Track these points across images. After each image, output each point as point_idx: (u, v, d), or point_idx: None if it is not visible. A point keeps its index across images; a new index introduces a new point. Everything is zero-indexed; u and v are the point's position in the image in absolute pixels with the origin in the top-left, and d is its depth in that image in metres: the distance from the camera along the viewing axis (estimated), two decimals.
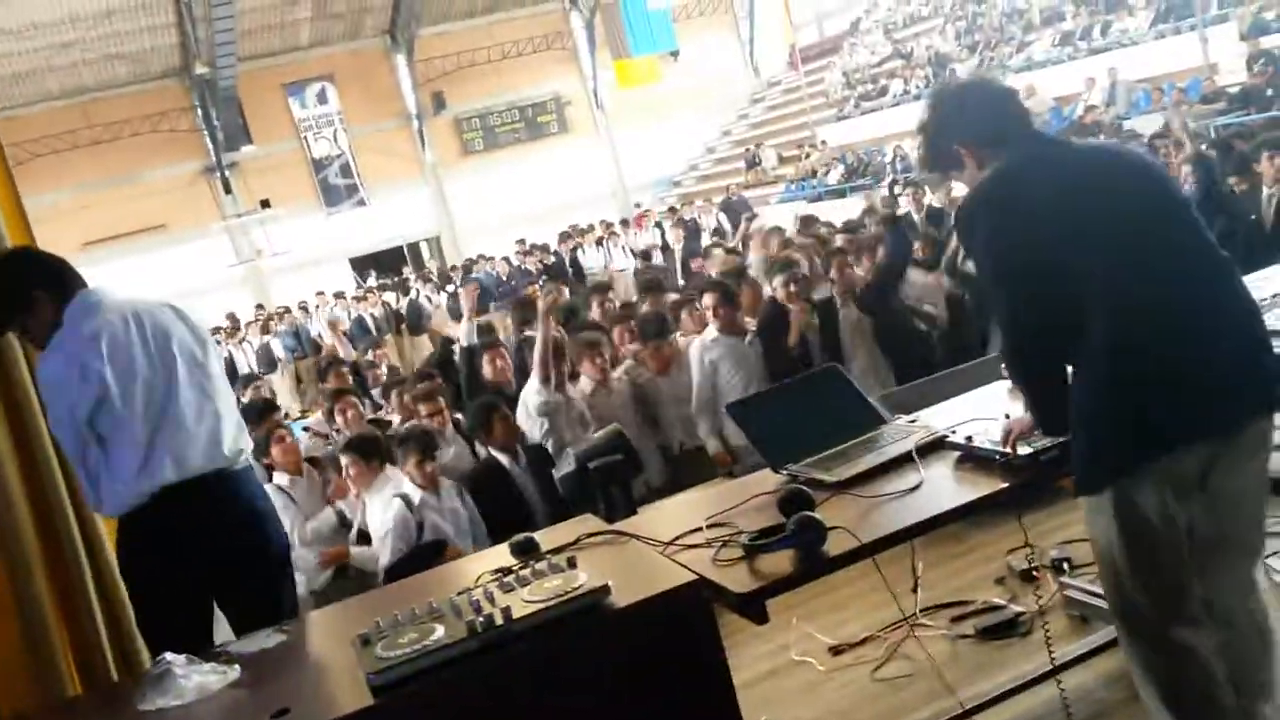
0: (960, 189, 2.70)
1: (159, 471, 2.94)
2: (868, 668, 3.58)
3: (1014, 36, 18.95)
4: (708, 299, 5.60)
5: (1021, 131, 2.49)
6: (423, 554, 4.27)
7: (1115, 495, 2.31)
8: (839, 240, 7.48)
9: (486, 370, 5.91)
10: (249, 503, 3.13)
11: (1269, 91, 12.29)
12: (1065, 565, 3.69)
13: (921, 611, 3.73)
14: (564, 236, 19.33)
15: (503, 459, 5.01)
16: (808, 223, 10.10)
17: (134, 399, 2.92)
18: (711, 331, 5.52)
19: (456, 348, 6.66)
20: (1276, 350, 2.39)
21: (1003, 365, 3.00)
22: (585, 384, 5.57)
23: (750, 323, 5.66)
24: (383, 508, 4.66)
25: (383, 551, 4.54)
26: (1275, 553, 3.52)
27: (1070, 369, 2.38)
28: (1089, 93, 15.29)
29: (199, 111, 21.90)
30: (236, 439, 3.10)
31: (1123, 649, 2.48)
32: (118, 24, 19.48)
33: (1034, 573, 3.68)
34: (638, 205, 23.24)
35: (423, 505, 4.60)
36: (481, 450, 5.24)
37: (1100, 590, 3.35)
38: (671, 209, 20.72)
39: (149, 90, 21.55)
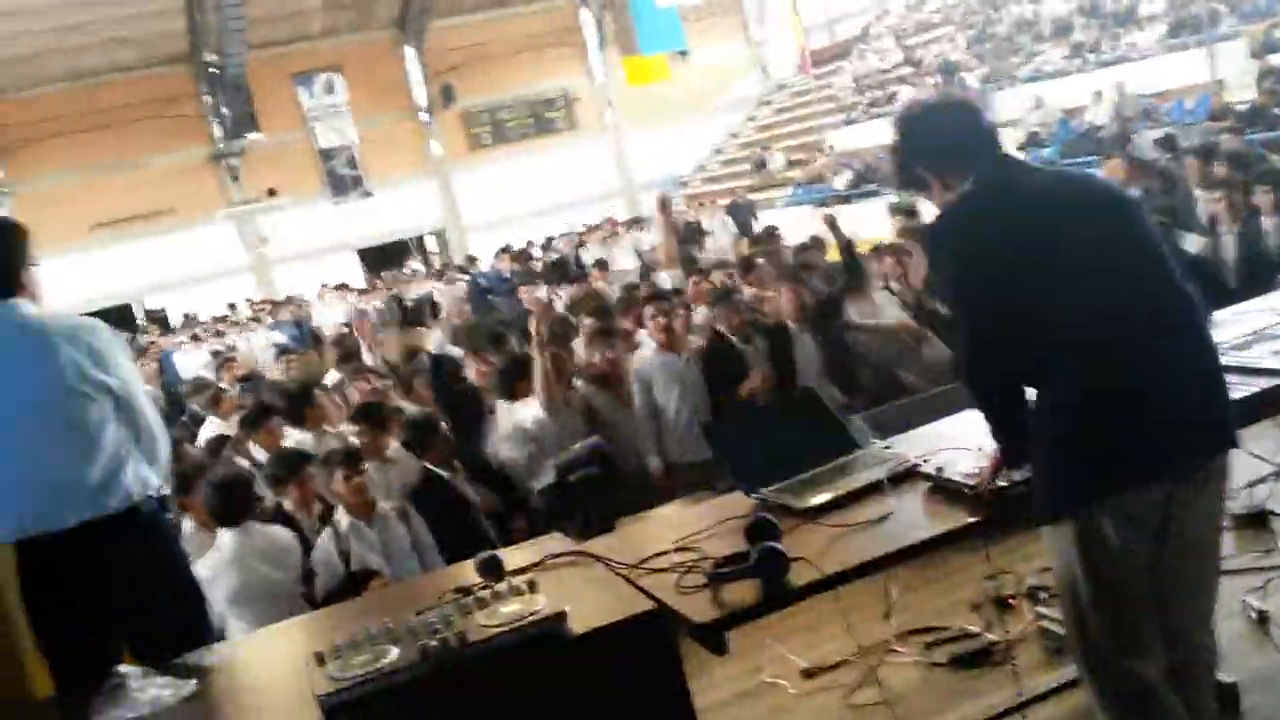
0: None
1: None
2: (840, 692, 3.55)
3: (1023, 47, 18.90)
4: (648, 311, 5.46)
5: (988, 155, 2.46)
6: (346, 587, 4.09)
7: (1077, 526, 2.31)
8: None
9: (469, 376, 5.82)
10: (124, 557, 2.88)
11: (1277, 110, 12.24)
12: (1042, 594, 3.66)
13: (896, 636, 3.70)
14: (548, 243, 19.09)
15: (443, 473, 4.88)
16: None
17: None
18: (649, 347, 5.40)
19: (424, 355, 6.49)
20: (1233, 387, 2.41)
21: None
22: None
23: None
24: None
25: (316, 580, 4.36)
26: (1259, 587, 3.52)
27: (1032, 399, 2.38)
28: (1096, 106, 15.24)
29: (206, 98, 21.90)
30: (95, 496, 2.83)
31: (1082, 682, 2.47)
32: (125, 7, 19.45)
33: (1010, 600, 3.65)
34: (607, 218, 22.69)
35: (350, 534, 4.42)
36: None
37: None
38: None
39: (155, 74, 21.54)
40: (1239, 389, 2.58)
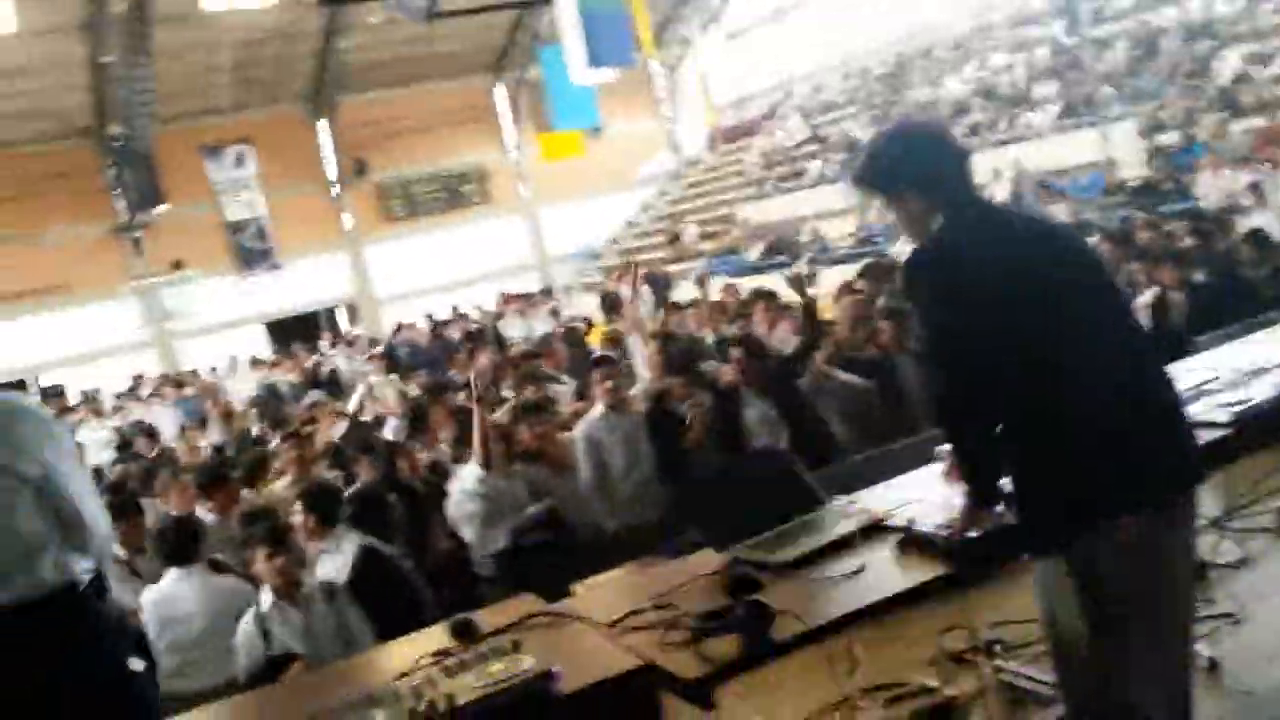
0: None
1: None
2: None
3: None
4: (596, 375, 5.51)
5: (964, 185, 2.53)
6: (266, 671, 3.93)
7: (1070, 557, 2.38)
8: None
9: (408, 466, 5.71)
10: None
11: (1168, 185, 12.93)
12: (998, 647, 3.71)
13: (860, 693, 3.71)
14: (447, 321, 18.97)
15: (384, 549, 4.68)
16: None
17: None
18: (599, 409, 5.42)
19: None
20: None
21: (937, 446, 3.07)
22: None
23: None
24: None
25: (238, 663, 4.18)
26: (1205, 634, 3.63)
27: (1008, 441, 2.44)
28: (995, 183, 15.89)
29: (110, 171, 21.43)
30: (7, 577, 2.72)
31: None
32: (30, 81, 19.01)
33: (967, 654, 3.69)
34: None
35: (271, 615, 4.21)
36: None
37: (1033, 673, 3.42)
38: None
39: (57, 148, 21.01)
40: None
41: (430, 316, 19.18)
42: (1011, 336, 2.35)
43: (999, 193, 15.52)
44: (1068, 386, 2.35)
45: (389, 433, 5.83)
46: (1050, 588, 2.43)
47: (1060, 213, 12.43)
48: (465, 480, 5.15)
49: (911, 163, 2.56)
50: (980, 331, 2.36)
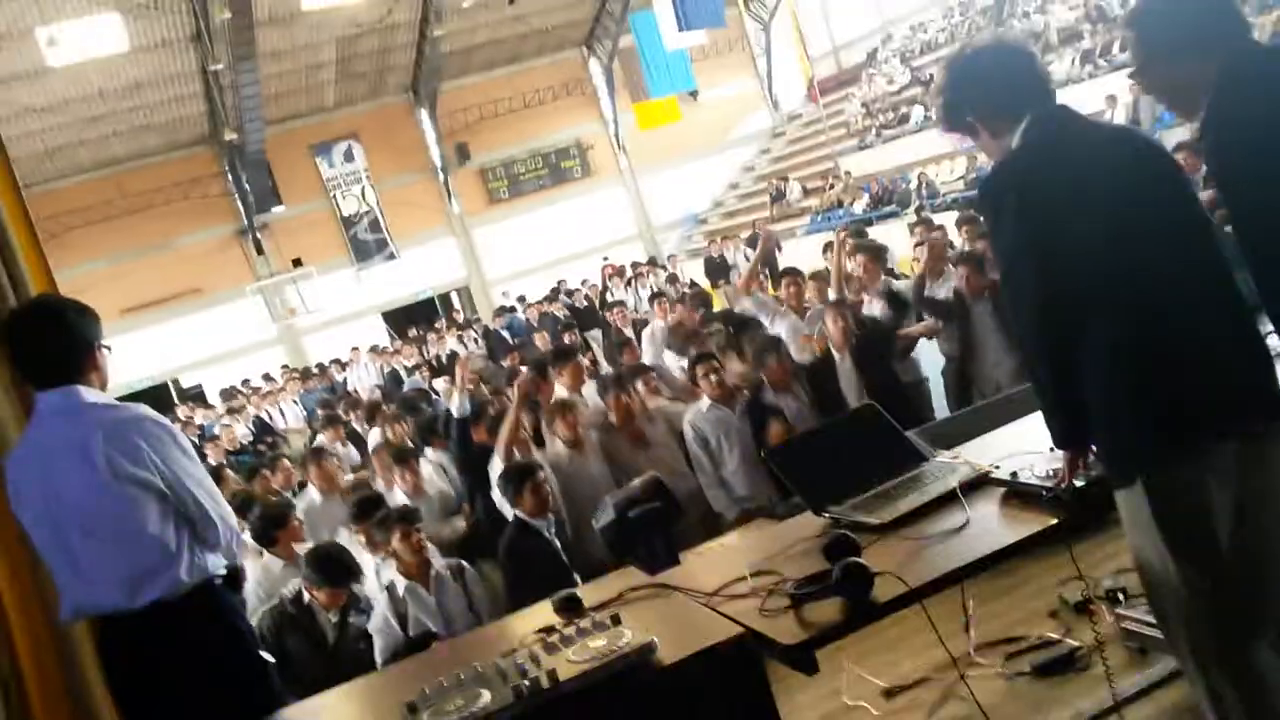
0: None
1: (63, 606, 2.92)
2: (923, 711, 3.49)
3: None
4: (699, 370, 5.59)
5: (1040, 104, 2.41)
6: (406, 651, 4.08)
7: (1147, 485, 2.24)
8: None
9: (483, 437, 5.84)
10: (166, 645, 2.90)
11: None
12: (1121, 595, 3.59)
13: (975, 650, 3.65)
14: (554, 294, 19.29)
15: (535, 524, 4.83)
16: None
17: (31, 534, 2.92)
18: (704, 402, 5.50)
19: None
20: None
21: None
22: (559, 446, 5.56)
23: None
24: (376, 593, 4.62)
25: (375, 645, 4.39)
26: None
27: (1086, 376, 2.31)
28: (1111, 110, 15.20)
29: (229, 176, 22.28)
30: (139, 586, 2.85)
31: (1184, 671, 2.40)
32: (146, 96, 19.88)
33: (1089, 605, 3.58)
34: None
35: (407, 596, 4.44)
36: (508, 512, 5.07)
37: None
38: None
39: (178, 158, 21.96)
40: None
41: (522, 299, 19.51)
42: (1079, 257, 2.24)
43: (1118, 119, 14.86)
44: (1143, 304, 2.23)
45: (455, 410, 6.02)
46: (1138, 524, 2.29)
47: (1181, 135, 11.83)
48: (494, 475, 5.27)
49: (971, 93, 2.47)
50: (1049, 249, 2.25)
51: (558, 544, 4.80)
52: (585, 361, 7.56)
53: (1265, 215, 2.20)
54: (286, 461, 7.70)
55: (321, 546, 4.67)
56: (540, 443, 5.65)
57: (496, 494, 5.21)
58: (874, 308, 6.26)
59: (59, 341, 2.89)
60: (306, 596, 4.42)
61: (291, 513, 5.35)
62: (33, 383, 2.94)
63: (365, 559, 4.91)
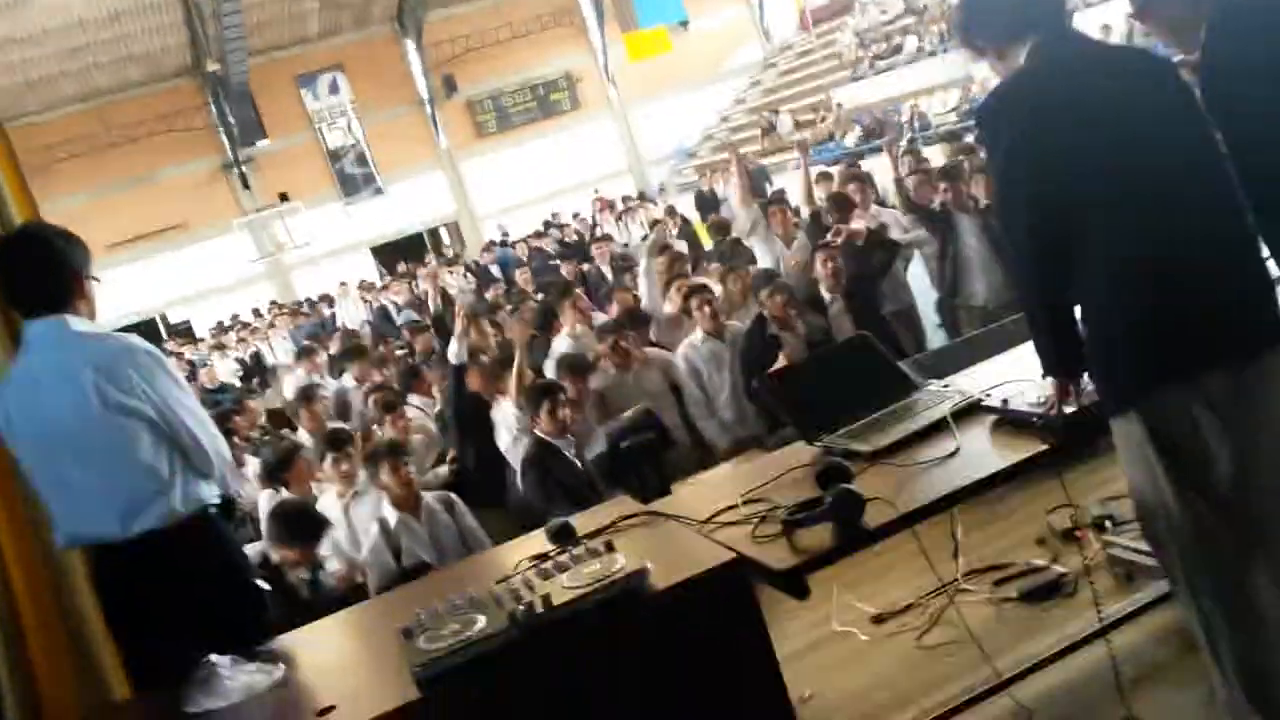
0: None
1: (57, 534, 2.92)
2: (912, 636, 3.54)
3: None
4: (692, 302, 5.65)
5: (1049, 26, 2.38)
6: (398, 581, 4.08)
7: (1143, 412, 2.25)
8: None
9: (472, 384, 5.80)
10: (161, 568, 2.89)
11: None
12: (1108, 523, 3.63)
13: (964, 576, 3.69)
14: (546, 227, 19.19)
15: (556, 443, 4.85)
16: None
17: (21, 461, 2.90)
18: (698, 334, 5.58)
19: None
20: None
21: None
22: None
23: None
24: (365, 523, 4.62)
25: (369, 577, 4.41)
26: None
27: (1081, 303, 2.32)
28: (1106, 39, 15.05)
29: (213, 108, 21.96)
30: (133, 514, 2.85)
31: (1174, 595, 2.42)
32: (126, 25, 19.51)
33: (1076, 532, 3.63)
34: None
35: (399, 529, 4.44)
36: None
37: (1144, 547, 3.33)
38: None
39: (162, 90, 21.63)
40: None
41: (504, 233, 19.34)
42: (1081, 158, 2.23)
43: (1114, 39, 14.70)
44: (1142, 210, 2.22)
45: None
46: (1132, 454, 2.30)
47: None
48: (507, 418, 5.30)
49: (979, 14, 2.48)
50: (1047, 163, 2.25)
51: (579, 464, 4.83)
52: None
53: (1261, 147, 2.19)
54: (251, 403, 7.73)
55: (286, 503, 4.64)
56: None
57: (503, 439, 5.22)
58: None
59: (46, 268, 2.86)
60: (275, 556, 4.28)
61: (298, 453, 5.29)
62: (20, 311, 2.92)
63: (332, 501, 4.93)
